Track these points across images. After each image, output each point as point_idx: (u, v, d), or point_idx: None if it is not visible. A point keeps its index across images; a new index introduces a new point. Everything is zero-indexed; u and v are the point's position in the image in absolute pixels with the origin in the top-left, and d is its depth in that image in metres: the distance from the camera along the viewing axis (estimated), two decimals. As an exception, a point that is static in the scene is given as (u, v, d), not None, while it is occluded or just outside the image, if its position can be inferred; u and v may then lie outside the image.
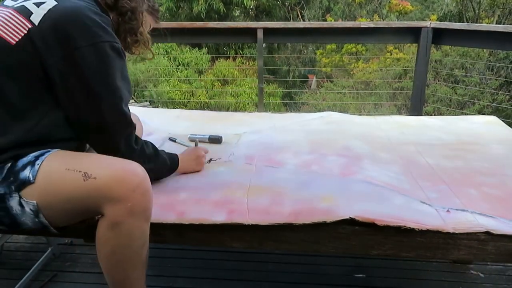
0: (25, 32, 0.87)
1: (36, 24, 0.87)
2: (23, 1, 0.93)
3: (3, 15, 0.91)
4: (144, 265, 0.98)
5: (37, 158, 0.89)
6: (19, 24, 0.87)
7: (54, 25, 0.87)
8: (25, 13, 0.89)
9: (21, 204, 0.87)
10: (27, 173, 0.86)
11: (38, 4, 0.90)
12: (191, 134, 1.55)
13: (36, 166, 0.87)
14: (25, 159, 0.89)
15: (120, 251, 0.92)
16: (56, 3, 0.90)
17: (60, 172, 0.88)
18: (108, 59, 0.91)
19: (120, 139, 0.97)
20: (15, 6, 0.92)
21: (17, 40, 0.87)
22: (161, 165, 1.14)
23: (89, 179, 0.86)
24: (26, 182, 0.86)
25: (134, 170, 0.90)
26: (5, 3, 0.98)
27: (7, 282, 1.49)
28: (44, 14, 0.88)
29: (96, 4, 0.98)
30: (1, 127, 0.89)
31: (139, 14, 1.05)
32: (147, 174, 0.92)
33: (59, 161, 0.90)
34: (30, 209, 0.87)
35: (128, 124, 0.98)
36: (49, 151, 0.91)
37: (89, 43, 0.87)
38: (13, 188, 0.86)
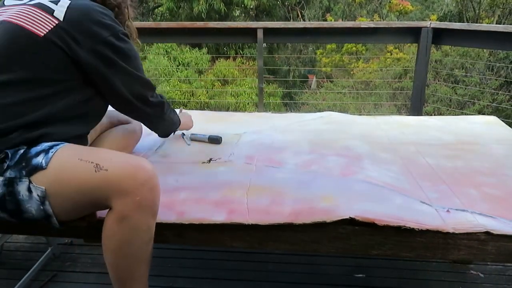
0: (52, 26, 0.95)
1: (62, 20, 0.95)
2: None
3: (24, 10, 0.97)
4: (148, 262, 0.99)
5: (51, 147, 0.91)
6: (44, 19, 0.95)
7: (77, 21, 0.97)
8: (47, 9, 0.97)
9: (29, 190, 0.88)
10: (40, 159, 0.89)
11: (55, 2, 0.98)
12: (191, 134, 1.55)
13: (50, 154, 0.89)
14: (39, 148, 0.91)
15: (126, 245, 0.92)
16: (69, 1, 0.98)
17: (72, 161, 0.90)
18: (126, 43, 1.05)
19: (150, 97, 1.16)
20: (30, 3, 0.99)
21: (45, 32, 0.94)
22: (175, 114, 1.36)
23: (101, 171, 0.88)
24: (38, 168, 0.88)
25: (144, 166, 0.92)
26: (7, 2, 1.03)
27: (7, 282, 1.49)
28: (65, 11, 0.96)
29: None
30: (28, 108, 0.94)
31: (125, 8, 1.16)
32: (155, 171, 0.94)
33: (72, 151, 0.93)
34: (38, 195, 0.88)
35: (152, 86, 1.17)
36: (63, 143, 0.94)
37: (110, 33, 1.00)
38: (24, 173, 0.88)
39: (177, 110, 1.57)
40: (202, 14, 10.77)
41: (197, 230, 1.03)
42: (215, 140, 1.51)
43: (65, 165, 0.90)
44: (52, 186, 0.88)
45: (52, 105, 0.97)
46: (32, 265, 1.53)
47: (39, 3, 0.98)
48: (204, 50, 9.89)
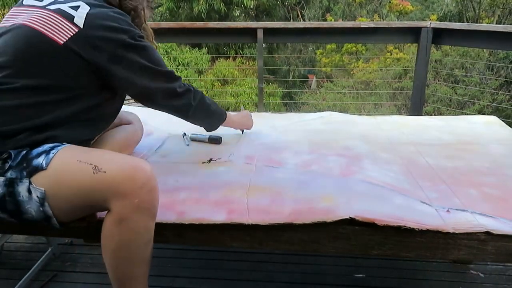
0: (72, 34, 0.95)
1: (82, 27, 0.96)
2: (54, 3, 1.00)
3: (44, 16, 0.97)
4: (148, 263, 0.99)
5: (52, 148, 0.92)
6: (64, 26, 0.96)
7: (96, 27, 0.97)
8: (67, 16, 0.97)
9: (29, 191, 0.88)
10: (40, 160, 0.89)
11: (75, 8, 0.98)
12: (192, 134, 1.55)
13: (51, 155, 0.90)
14: (40, 149, 0.92)
15: (125, 247, 0.93)
16: (89, 7, 0.99)
17: (72, 163, 0.91)
18: (144, 44, 1.06)
19: (178, 88, 1.16)
20: (51, 8, 0.99)
21: (64, 40, 0.94)
22: (216, 105, 1.33)
23: (99, 173, 0.88)
24: (39, 169, 0.88)
25: (142, 167, 0.92)
26: (26, 2, 1.03)
27: (7, 282, 1.49)
28: (85, 18, 0.97)
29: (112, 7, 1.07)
30: (45, 109, 0.96)
31: (141, 11, 1.16)
32: (154, 173, 0.94)
33: (72, 153, 0.93)
34: (37, 196, 0.89)
35: (176, 76, 1.16)
36: (64, 144, 0.95)
37: (128, 36, 1.01)
38: (24, 174, 0.88)
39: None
40: (202, 14, 10.77)
41: (197, 230, 1.03)
42: (215, 140, 1.51)
43: (64, 167, 0.90)
44: (51, 188, 0.89)
45: (62, 110, 0.97)
46: (32, 265, 1.53)
47: (59, 9, 0.98)
48: (204, 50, 9.90)
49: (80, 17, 0.96)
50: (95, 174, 0.88)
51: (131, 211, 0.89)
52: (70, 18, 0.96)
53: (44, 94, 0.95)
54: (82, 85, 1.00)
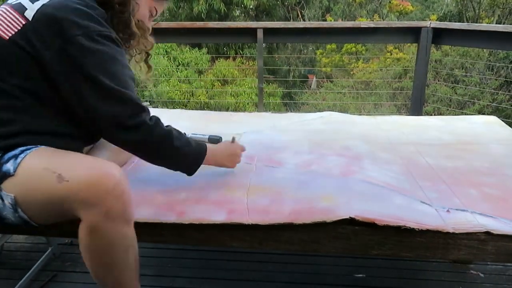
0: (19, 27, 0.88)
1: (30, 19, 0.88)
2: None
3: (0, 12, 0.93)
4: (132, 268, 0.95)
5: (22, 152, 0.88)
6: (13, 20, 0.90)
7: (47, 19, 0.88)
8: (20, 9, 0.91)
9: (1, 197, 0.86)
10: (9, 165, 0.86)
11: (33, 1, 0.91)
12: (191, 134, 1.55)
13: (19, 159, 0.86)
14: (12, 153, 0.88)
15: (102, 255, 0.90)
16: None
17: (37, 170, 0.86)
18: (103, 47, 0.90)
19: (129, 117, 0.93)
20: (12, 3, 0.94)
21: (10, 35, 0.88)
22: (190, 147, 1.06)
23: (63, 182, 0.83)
24: (7, 174, 0.86)
25: (109, 172, 0.86)
26: (6, 2, 1.00)
27: (7, 282, 1.49)
28: (37, 9, 0.89)
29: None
30: (8, 116, 0.90)
31: (129, 5, 1.01)
32: (124, 176, 0.88)
33: (40, 158, 0.89)
34: (9, 202, 0.86)
35: (134, 102, 0.93)
36: (36, 146, 0.90)
37: (81, 32, 0.87)
38: None
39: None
40: (202, 14, 10.77)
41: (197, 230, 1.03)
42: (215, 140, 1.50)
43: (30, 174, 0.86)
44: (20, 194, 0.86)
45: (28, 119, 0.91)
46: (32, 265, 1.52)
47: (19, 2, 0.92)
48: (204, 50, 9.90)
49: (32, 9, 0.88)
50: (59, 184, 0.83)
51: (101, 220, 0.84)
52: (21, 11, 0.89)
53: (5, 98, 0.89)
54: (42, 91, 0.91)
